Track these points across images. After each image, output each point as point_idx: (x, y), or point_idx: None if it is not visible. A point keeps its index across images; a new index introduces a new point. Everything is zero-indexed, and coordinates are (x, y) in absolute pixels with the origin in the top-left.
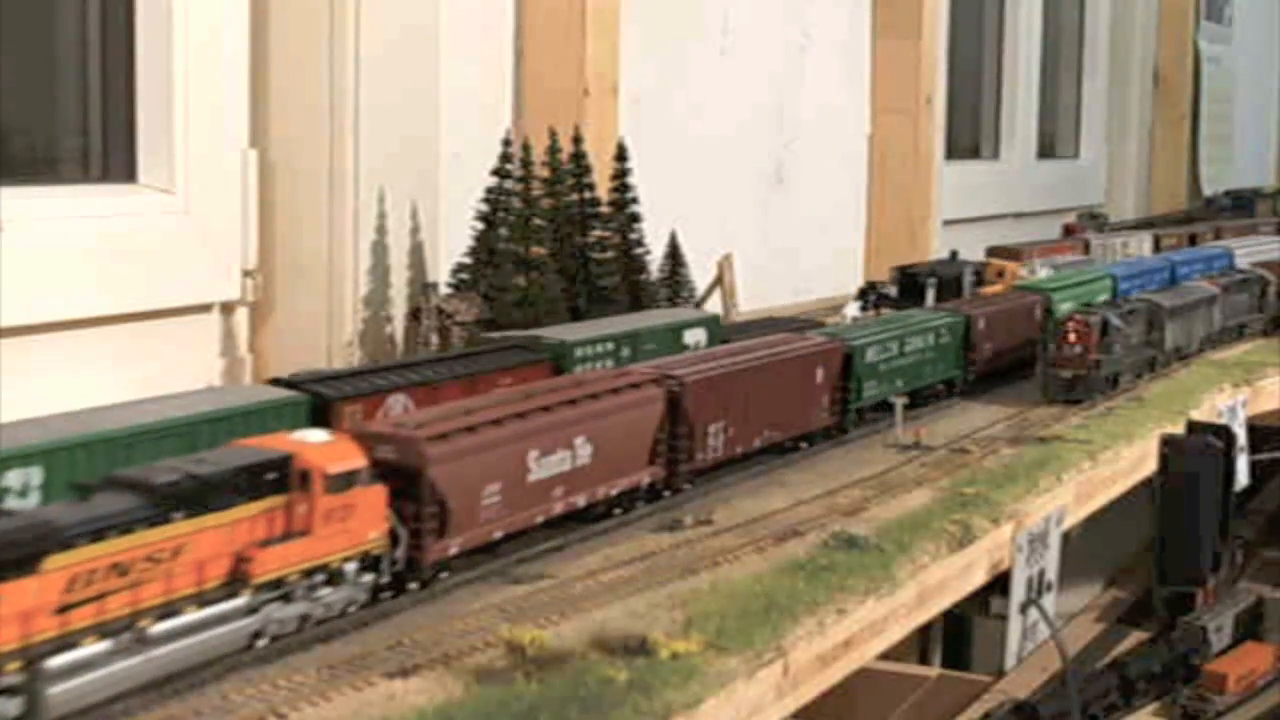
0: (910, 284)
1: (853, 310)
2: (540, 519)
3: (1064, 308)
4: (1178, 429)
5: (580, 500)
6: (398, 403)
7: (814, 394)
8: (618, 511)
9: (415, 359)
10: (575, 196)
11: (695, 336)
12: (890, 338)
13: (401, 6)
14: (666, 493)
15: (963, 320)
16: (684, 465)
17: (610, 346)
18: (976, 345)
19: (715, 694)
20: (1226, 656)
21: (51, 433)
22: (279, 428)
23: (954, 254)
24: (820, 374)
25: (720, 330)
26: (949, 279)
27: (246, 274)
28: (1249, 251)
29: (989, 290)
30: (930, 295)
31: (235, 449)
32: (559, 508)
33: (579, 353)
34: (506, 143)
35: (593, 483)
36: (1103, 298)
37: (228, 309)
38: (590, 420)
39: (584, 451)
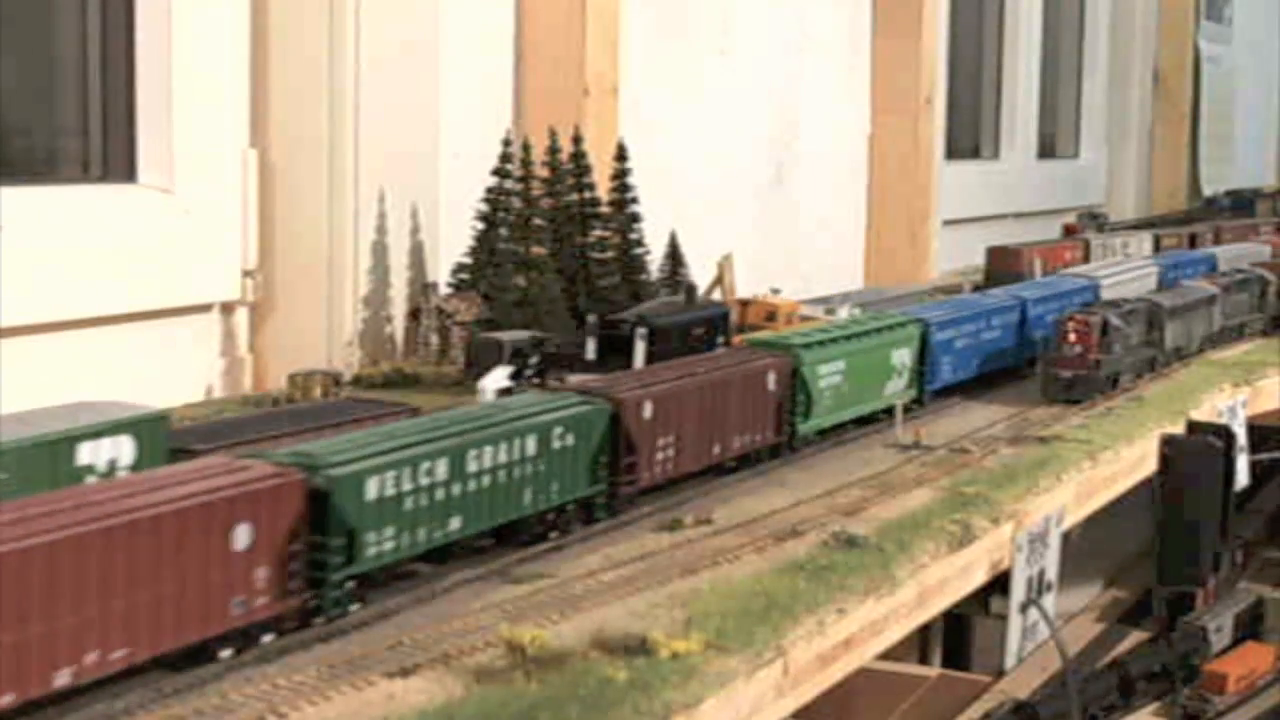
0: (612, 337)
1: (497, 383)
2: None
3: (823, 373)
4: (1178, 429)
5: None
6: None
7: (232, 571)
8: None
9: None
10: (575, 196)
11: (108, 452)
12: (430, 453)
13: (402, 7)
14: None
15: (603, 410)
16: None
17: None
18: (637, 445)
19: (715, 693)
20: (1226, 656)
21: None
22: None
23: (690, 290)
24: (244, 536)
25: (170, 436)
26: (671, 328)
27: (246, 274)
28: (1119, 280)
29: (742, 340)
30: (640, 352)
31: None
32: None
33: None
34: (506, 143)
35: None
36: (902, 352)
37: (228, 309)
38: None
39: None
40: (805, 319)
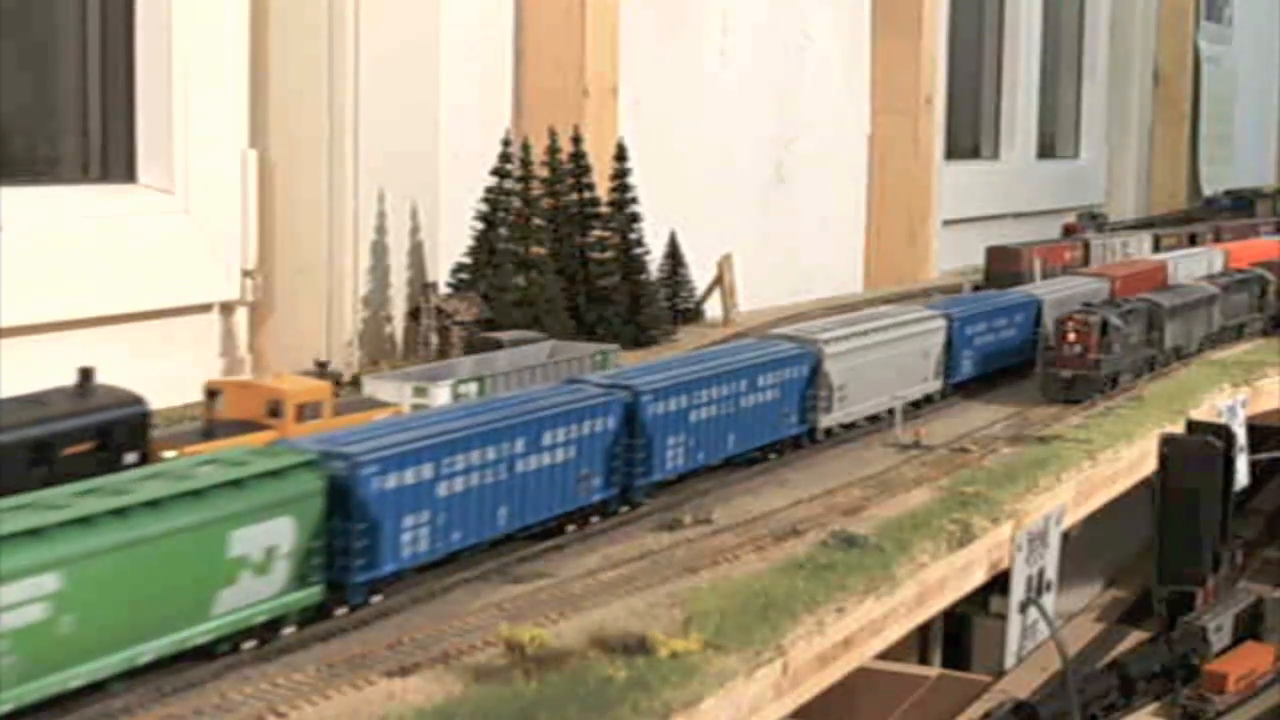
0: None
1: None
2: None
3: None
4: (1178, 429)
5: None
6: None
7: None
8: None
9: None
10: (575, 196)
11: None
12: None
13: (402, 7)
14: None
15: None
16: None
17: None
18: None
19: (714, 693)
20: (1226, 656)
21: None
22: None
23: (86, 374)
24: None
25: None
26: None
27: (246, 274)
28: (853, 345)
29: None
30: None
31: None
32: None
33: None
34: (506, 143)
35: None
36: (263, 529)
37: (228, 309)
38: None
39: None
40: (372, 407)
